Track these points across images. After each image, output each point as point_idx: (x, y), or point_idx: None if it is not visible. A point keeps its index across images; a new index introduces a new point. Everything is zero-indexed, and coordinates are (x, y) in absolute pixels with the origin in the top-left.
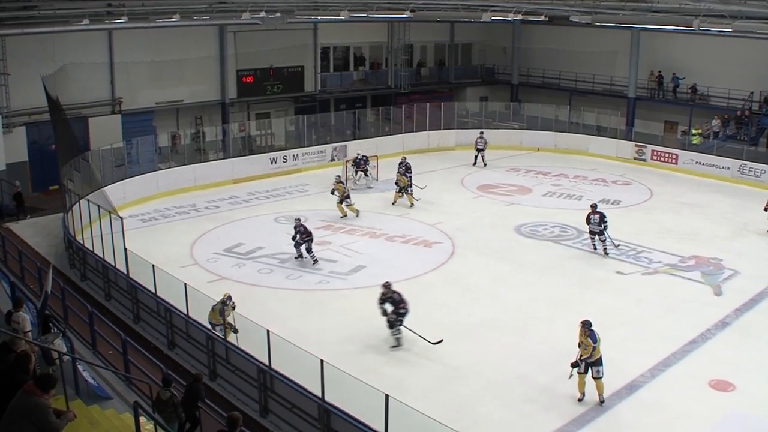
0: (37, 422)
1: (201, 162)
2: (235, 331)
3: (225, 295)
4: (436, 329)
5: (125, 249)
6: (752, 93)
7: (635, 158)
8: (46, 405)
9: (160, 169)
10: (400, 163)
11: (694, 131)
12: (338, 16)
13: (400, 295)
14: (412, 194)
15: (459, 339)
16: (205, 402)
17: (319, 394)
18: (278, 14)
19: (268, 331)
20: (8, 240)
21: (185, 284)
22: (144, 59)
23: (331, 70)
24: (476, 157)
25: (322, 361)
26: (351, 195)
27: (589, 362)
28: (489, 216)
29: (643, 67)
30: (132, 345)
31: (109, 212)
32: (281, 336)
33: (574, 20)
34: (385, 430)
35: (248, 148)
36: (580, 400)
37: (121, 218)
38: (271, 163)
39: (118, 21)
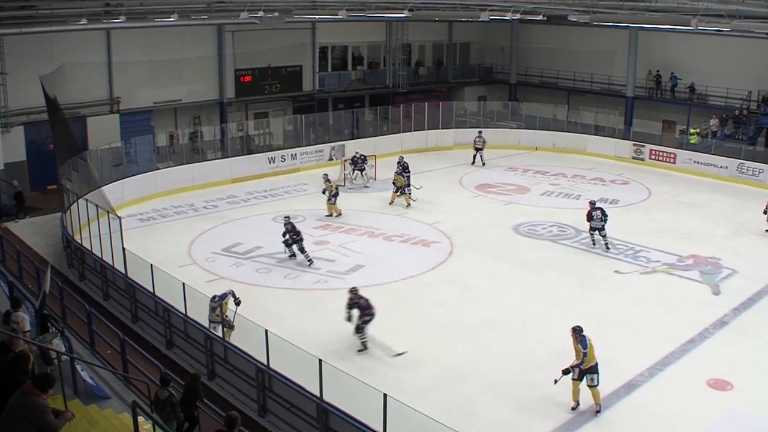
0: (35, 422)
1: (199, 161)
2: (231, 327)
3: (226, 291)
4: (435, 329)
5: (123, 249)
6: (750, 92)
7: (633, 157)
8: (45, 405)
9: (159, 169)
10: (398, 163)
11: (692, 130)
12: (336, 15)
13: (367, 301)
14: (409, 194)
15: (457, 338)
16: (203, 401)
17: (318, 394)
18: (276, 14)
19: (266, 331)
20: (6, 240)
21: (183, 284)
22: (142, 59)
23: (330, 69)
24: (475, 156)
25: (320, 360)
26: (341, 194)
27: (583, 369)
28: (487, 215)
29: (641, 67)
30: (130, 344)
31: (108, 212)
32: (279, 335)
33: (572, 20)
34: (383, 430)
35: (246, 147)
36: (573, 408)
37: (120, 218)
38: (270, 162)
39: (116, 20)
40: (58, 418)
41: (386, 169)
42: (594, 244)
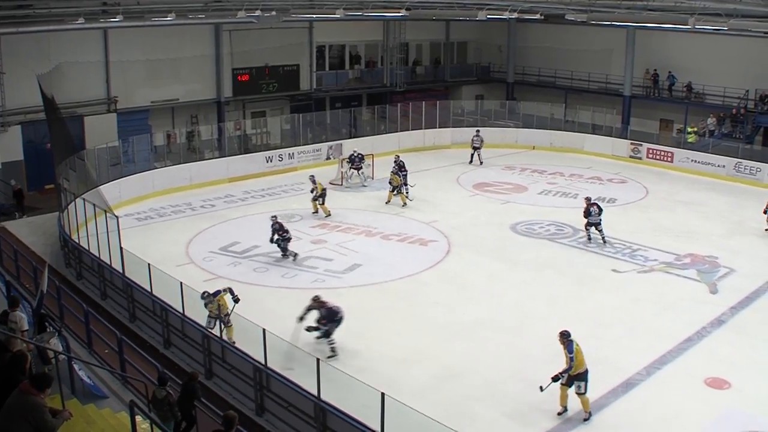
0: (33, 421)
1: (196, 161)
2: (227, 324)
3: (221, 288)
4: (432, 328)
5: (121, 248)
6: (747, 91)
7: (631, 156)
8: (42, 404)
9: (156, 168)
10: (394, 162)
11: (689, 129)
12: (334, 14)
13: (328, 309)
14: (406, 194)
15: (455, 337)
16: (201, 401)
17: (315, 393)
18: (274, 13)
19: (264, 330)
20: (4, 239)
21: (181, 283)
22: (139, 58)
23: (327, 68)
24: (472, 155)
25: (318, 359)
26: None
27: (572, 375)
28: (485, 214)
29: (638, 66)
30: (128, 344)
31: (105, 211)
32: (277, 335)
33: (569, 18)
34: (381, 429)
35: (244, 146)
36: (560, 413)
37: (117, 217)
38: (267, 161)
39: (114, 20)
40: (55, 418)
41: (384, 168)
42: (590, 239)
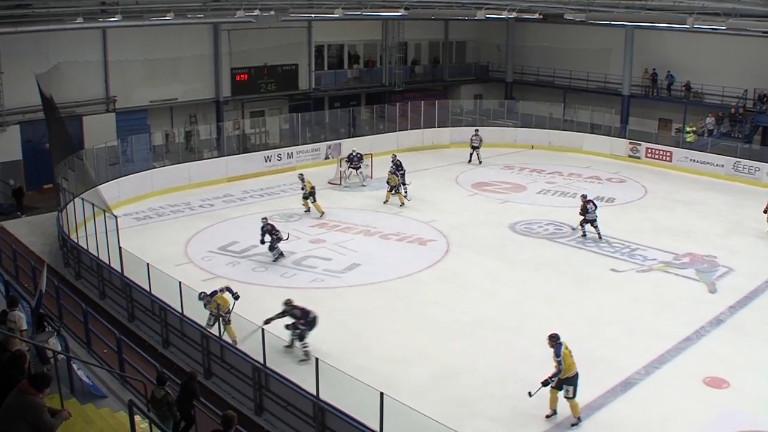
0: (32, 421)
1: (195, 160)
2: (227, 323)
3: (218, 288)
4: (431, 327)
5: (120, 247)
6: (746, 91)
7: (629, 156)
8: (41, 404)
9: (155, 168)
10: (391, 162)
11: (688, 129)
12: (332, 14)
13: (301, 311)
14: (404, 194)
15: (453, 337)
16: (199, 400)
17: (314, 392)
18: (272, 12)
19: (262, 330)
20: (2, 239)
21: (180, 282)
22: (138, 57)
23: (326, 68)
24: (471, 154)
25: (317, 359)
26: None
27: (561, 379)
28: (483, 214)
29: (637, 65)
30: (127, 343)
31: (104, 211)
32: (276, 334)
33: (568, 18)
34: (380, 428)
35: (242, 146)
36: (548, 416)
37: (116, 217)
38: (266, 161)
39: (112, 19)
40: (54, 418)
41: (382, 168)
42: (585, 235)
